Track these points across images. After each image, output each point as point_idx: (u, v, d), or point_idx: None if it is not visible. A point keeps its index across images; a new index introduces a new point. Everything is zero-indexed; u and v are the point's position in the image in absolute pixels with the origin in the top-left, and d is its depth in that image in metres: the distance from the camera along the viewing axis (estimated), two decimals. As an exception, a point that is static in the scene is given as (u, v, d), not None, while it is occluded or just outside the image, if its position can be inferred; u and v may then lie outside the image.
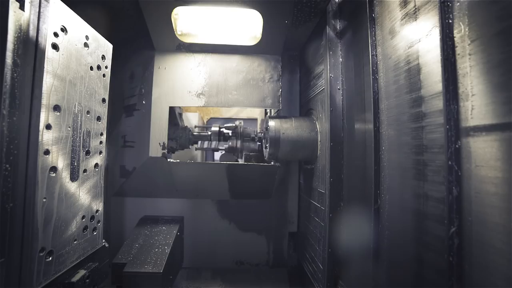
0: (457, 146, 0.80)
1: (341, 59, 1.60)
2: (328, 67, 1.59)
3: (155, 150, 2.03)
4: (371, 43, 1.26)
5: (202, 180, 2.20)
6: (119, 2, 1.72)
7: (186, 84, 2.11)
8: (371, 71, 1.24)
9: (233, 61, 2.15)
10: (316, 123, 1.85)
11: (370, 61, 1.25)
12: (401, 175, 1.07)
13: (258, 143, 2.20)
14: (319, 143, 1.78)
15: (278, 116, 1.96)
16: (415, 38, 0.99)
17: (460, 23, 0.80)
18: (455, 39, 0.82)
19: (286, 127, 1.84)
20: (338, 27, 1.64)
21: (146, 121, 2.08)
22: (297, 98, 2.30)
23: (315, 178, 1.82)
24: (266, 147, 1.90)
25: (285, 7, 1.68)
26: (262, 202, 2.35)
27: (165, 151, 2.03)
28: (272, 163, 2.02)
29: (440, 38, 0.84)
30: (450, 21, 0.83)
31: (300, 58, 2.28)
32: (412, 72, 1.01)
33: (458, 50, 0.81)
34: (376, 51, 1.25)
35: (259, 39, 1.98)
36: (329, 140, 1.55)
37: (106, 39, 1.30)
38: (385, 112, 1.18)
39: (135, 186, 2.22)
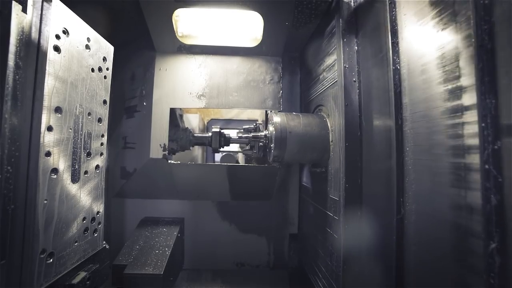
0: (495, 147, 0.68)
1: (356, 47, 1.40)
2: (342, 56, 1.40)
3: (155, 152, 2.03)
4: (391, 28, 1.10)
5: (202, 182, 2.20)
6: (120, 3, 1.72)
7: (186, 86, 2.11)
8: (391, 61, 1.08)
9: (234, 63, 2.16)
10: (327, 120, 1.65)
11: (391, 49, 1.09)
12: (432, 181, 0.91)
13: (261, 143, 2.03)
14: (331, 143, 1.59)
15: (284, 112, 1.76)
16: (451, 18, 0.83)
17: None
18: (493, 19, 0.69)
19: (294, 125, 1.63)
20: (353, 10, 1.46)
21: (147, 123, 2.08)
22: (297, 100, 2.30)
23: (327, 183, 1.61)
24: (270, 148, 1.72)
25: (285, 8, 1.68)
26: (262, 204, 2.35)
27: (166, 152, 2.03)
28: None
29: (474, 22, 0.72)
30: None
31: (301, 59, 2.28)
32: (448, 58, 0.83)
33: (497, 33, 0.68)
34: (397, 37, 1.08)
35: (260, 40, 1.99)
36: (343, 139, 1.36)
37: (107, 40, 1.31)
38: (409, 107, 1.01)
39: (135, 188, 2.22)
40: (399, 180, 1.03)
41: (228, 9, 1.77)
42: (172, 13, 1.77)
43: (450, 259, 0.82)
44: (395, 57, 1.08)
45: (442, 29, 0.87)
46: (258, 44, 2.01)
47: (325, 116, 1.69)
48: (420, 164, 0.96)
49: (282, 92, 2.17)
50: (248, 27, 1.96)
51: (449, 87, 0.83)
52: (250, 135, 1.98)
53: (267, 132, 1.83)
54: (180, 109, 2.33)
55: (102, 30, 1.27)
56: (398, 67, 1.08)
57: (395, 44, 1.09)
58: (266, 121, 1.98)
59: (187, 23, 1.95)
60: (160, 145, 2.03)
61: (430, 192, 0.91)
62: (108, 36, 1.31)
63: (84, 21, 1.15)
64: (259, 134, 1.94)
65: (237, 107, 2.15)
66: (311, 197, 1.98)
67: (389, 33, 1.10)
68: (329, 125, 1.63)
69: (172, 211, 2.28)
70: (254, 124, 2.08)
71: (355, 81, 1.38)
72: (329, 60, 1.63)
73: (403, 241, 1.02)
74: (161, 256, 1.68)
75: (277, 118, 1.66)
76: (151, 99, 2.09)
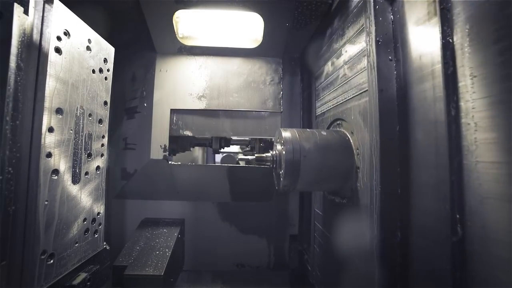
0: None
1: (392, 16, 1.12)
2: (374, 28, 1.09)
3: (156, 152, 2.04)
4: None
5: (203, 182, 2.20)
6: (121, 4, 1.73)
7: (187, 87, 2.12)
8: (440, 33, 0.84)
9: (234, 64, 2.16)
10: (350, 139, 1.31)
11: (439, 16, 0.85)
12: None
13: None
14: (358, 170, 1.23)
15: (295, 129, 1.40)
16: None
17: None
18: None
19: (309, 147, 1.27)
20: None
21: (147, 124, 2.09)
22: (298, 101, 2.30)
23: (351, 219, 1.29)
24: (280, 174, 1.35)
25: (285, 10, 1.69)
26: (263, 204, 2.35)
27: (166, 153, 2.04)
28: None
29: None
30: None
31: (302, 60, 2.28)
32: None
33: None
34: (449, 0, 0.84)
35: (260, 41, 2.00)
36: (378, 136, 1.03)
37: (108, 41, 1.31)
38: (469, 91, 0.77)
39: (136, 188, 2.22)
40: (453, 190, 0.80)
41: (229, 10, 1.78)
42: (173, 14, 1.78)
43: None
44: (445, 27, 0.84)
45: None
46: (259, 45, 2.02)
47: (347, 133, 1.35)
48: (492, 170, 0.71)
49: (282, 93, 2.17)
50: (249, 28, 1.97)
51: None
52: (253, 157, 1.58)
53: (275, 152, 1.44)
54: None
55: (103, 31, 1.28)
56: (450, 40, 0.82)
57: (446, 10, 0.84)
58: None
59: (188, 25, 1.95)
60: (161, 146, 2.04)
61: None
62: (109, 38, 1.32)
63: (85, 22, 1.15)
64: (263, 155, 1.53)
65: (237, 108, 2.16)
66: (327, 229, 1.61)
67: None
68: (353, 145, 1.28)
69: (173, 212, 2.28)
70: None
71: (391, 60, 1.09)
72: (352, 49, 1.30)
73: (465, 275, 0.75)
74: (161, 257, 1.68)
75: (287, 134, 1.31)
76: (151, 100, 2.10)
